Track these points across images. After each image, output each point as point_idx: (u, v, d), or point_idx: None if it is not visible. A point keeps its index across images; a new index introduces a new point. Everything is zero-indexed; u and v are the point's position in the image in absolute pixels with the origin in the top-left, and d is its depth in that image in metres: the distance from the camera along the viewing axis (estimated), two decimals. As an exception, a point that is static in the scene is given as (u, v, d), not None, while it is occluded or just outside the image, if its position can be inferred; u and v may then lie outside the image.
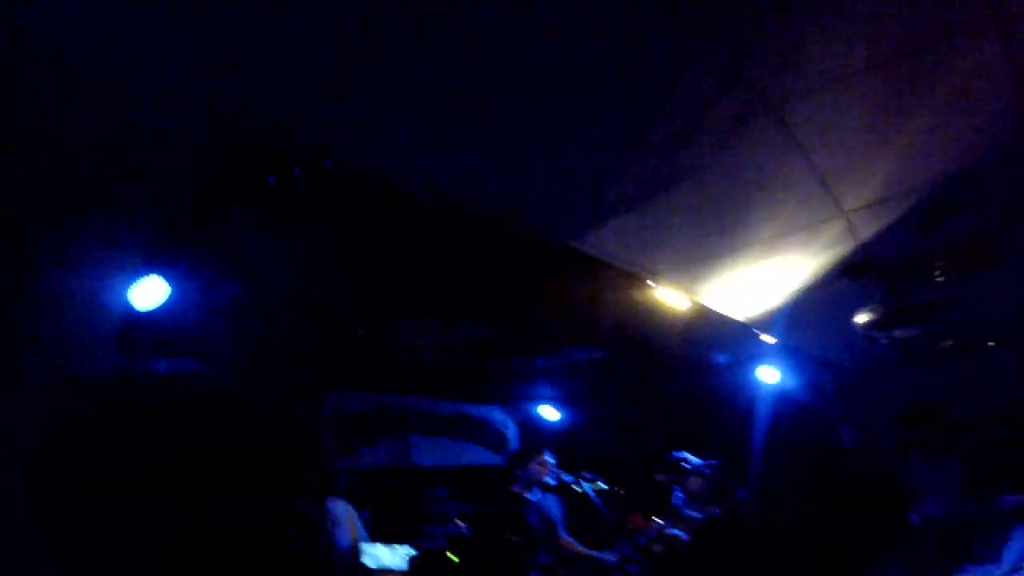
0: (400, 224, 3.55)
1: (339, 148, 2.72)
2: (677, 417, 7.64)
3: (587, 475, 4.58)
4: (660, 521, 4.86)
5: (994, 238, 4.19)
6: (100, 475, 3.48)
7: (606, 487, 4.77)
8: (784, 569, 6.11)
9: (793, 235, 3.74)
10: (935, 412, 7.30)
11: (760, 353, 6.32)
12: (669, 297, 4.41)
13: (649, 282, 4.23)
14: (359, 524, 4.44)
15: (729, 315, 4.93)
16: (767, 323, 5.13)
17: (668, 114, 2.64)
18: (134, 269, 3.26)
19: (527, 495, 4.65)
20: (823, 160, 3.17)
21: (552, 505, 4.76)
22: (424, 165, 2.83)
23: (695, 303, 4.56)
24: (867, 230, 3.93)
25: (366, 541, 4.29)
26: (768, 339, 5.57)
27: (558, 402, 8.41)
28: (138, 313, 3.26)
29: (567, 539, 4.76)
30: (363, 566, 3.78)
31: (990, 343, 7.00)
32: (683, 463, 5.91)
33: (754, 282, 4.36)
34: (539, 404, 8.45)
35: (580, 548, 4.71)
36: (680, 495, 5.89)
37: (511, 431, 8.55)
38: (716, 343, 6.03)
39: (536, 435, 7.66)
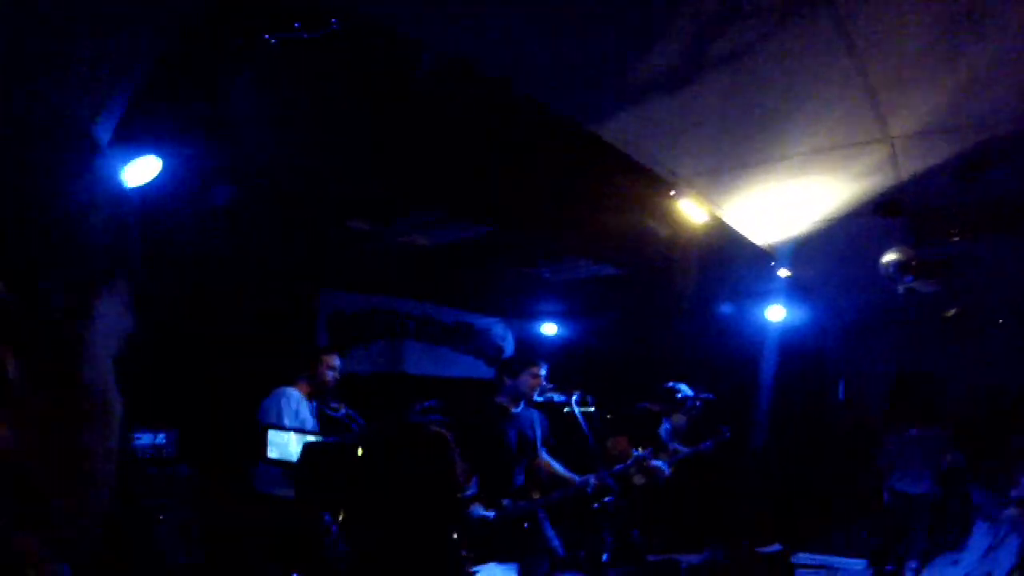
0: (403, 101, 3.24)
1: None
2: (677, 346, 7.49)
3: (578, 395, 4.36)
4: (643, 451, 4.70)
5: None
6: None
7: (594, 410, 4.58)
8: (756, 518, 6.14)
9: (831, 154, 3.48)
10: (925, 381, 7.44)
11: (771, 290, 6.12)
12: (687, 208, 4.16)
13: (669, 189, 3.98)
14: (307, 411, 4.32)
15: (748, 237, 4.71)
16: (786, 251, 4.95)
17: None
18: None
19: (512, 408, 4.46)
20: (876, 72, 2.89)
21: (535, 420, 4.58)
22: (447, 26, 2.55)
23: (714, 218, 4.32)
24: (909, 163, 3.70)
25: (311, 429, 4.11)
26: (783, 273, 5.35)
27: (558, 317, 8.25)
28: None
29: (545, 458, 4.59)
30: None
31: (1000, 320, 7.11)
32: (676, 393, 5.76)
33: (781, 202, 4.13)
34: (539, 320, 8.30)
35: (557, 468, 4.54)
36: (668, 426, 5.77)
37: (509, 346, 8.40)
38: (728, 272, 5.80)
39: (532, 350, 7.49)
